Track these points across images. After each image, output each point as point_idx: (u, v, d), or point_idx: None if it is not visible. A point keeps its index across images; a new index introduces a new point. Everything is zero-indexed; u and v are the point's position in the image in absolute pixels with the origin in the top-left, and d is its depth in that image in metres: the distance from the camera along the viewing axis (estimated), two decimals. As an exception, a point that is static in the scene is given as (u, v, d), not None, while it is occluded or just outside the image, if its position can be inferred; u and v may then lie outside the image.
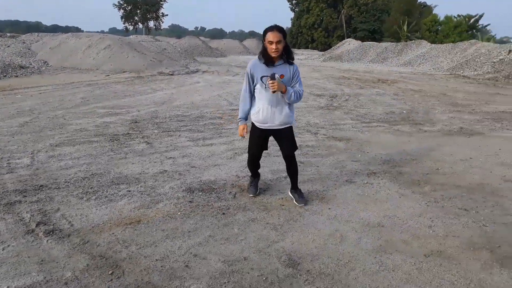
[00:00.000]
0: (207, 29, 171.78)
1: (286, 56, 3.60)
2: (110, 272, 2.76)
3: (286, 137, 3.83)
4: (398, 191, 4.45)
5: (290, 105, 3.73)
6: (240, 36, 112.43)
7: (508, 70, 19.96)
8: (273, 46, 3.42)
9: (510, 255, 3.14)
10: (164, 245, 3.14)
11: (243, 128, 3.80)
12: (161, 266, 2.85)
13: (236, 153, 5.74)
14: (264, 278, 2.74)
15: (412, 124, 8.17)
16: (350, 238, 3.35)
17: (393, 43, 37.72)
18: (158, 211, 3.77)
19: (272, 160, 5.43)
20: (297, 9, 79.63)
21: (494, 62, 22.35)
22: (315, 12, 71.25)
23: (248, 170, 4.31)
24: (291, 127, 3.86)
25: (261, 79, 3.58)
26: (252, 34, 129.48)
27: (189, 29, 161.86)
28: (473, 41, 30.26)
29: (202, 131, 7.04)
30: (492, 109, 10.33)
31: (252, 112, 3.75)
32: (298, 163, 5.30)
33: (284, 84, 3.55)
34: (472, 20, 55.81)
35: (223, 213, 3.76)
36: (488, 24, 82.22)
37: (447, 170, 5.22)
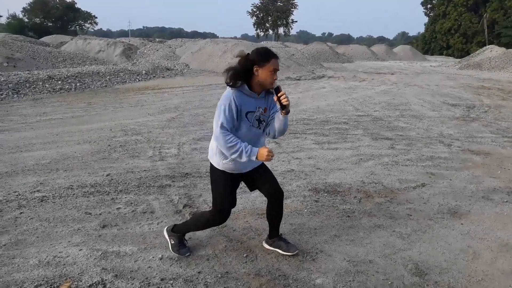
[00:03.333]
0: (334, 34, 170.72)
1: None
2: (244, 255, 3.07)
3: (265, 171, 3.05)
4: (544, 215, 4.02)
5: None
6: (368, 41, 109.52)
7: None
8: (275, 76, 2.73)
9: None
10: (292, 238, 3.36)
11: (266, 150, 2.61)
12: (290, 256, 3.06)
13: (361, 159, 5.75)
14: (389, 283, 2.78)
15: None
16: (485, 256, 3.17)
17: (548, 50, 33.09)
18: (286, 206, 4.00)
19: (401, 169, 5.32)
20: (431, 14, 74.77)
21: None
22: (452, 17, 66.12)
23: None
24: None
25: (246, 116, 2.72)
26: (380, 40, 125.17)
27: (317, 35, 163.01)
28: None
29: (327, 135, 7.18)
30: None
31: (223, 160, 2.80)
32: (429, 174, 5.17)
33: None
34: None
35: (348, 216, 3.84)
36: None
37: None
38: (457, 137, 7.33)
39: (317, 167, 5.35)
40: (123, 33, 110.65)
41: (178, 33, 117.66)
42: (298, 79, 17.78)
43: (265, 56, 2.71)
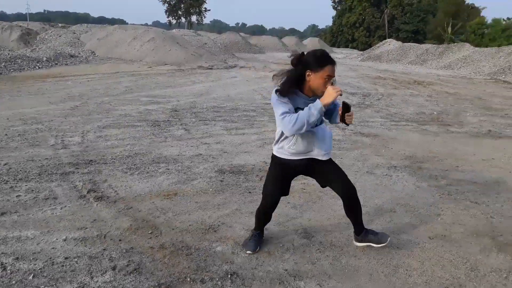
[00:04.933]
0: (247, 25, 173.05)
1: None
2: (149, 232, 3.26)
3: (332, 165, 2.96)
4: (415, 183, 4.74)
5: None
6: (281, 33, 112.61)
7: (554, 77, 19.35)
8: (329, 85, 2.52)
9: (509, 242, 3.41)
10: (197, 214, 3.61)
11: (331, 88, 2.46)
12: (194, 230, 3.31)
13: (265, 142, 6.16)
14: (281, 245, 3.16)
15: (440, 125, 8.31)
16: (363, 219, 3.69)
17: (434, 45, 36.94)
18: (193, 187, 4.25)
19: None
20: (339, 7, 79.06)
21: (540, 68, 21.69)
22: (357, 11, 70.56)
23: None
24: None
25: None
26: (292, 32, 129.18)
27: (230, 25, 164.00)
28: (519, 45, 29.34)
29: (235, 121, 7.51)
30: (529, 114, 10.24)
31: (289, 148, 2.78)
32: (323, 154, 5.71)
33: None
34: (523, 24, 53.44)
35: (250, 192, 4.19)
36: (540, 28, 78.23)
37: (467, 168, 5.43)
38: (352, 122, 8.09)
39: (224, 151, 5.65)
40: (20, 17, 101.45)
41: (83, 19, 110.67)
42: (210, 68, 17.97)
43: (320, 61, 2.52)
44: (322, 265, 2.90)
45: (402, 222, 3.69)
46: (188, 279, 2.64)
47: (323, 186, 3.09)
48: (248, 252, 3.01)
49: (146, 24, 57.74)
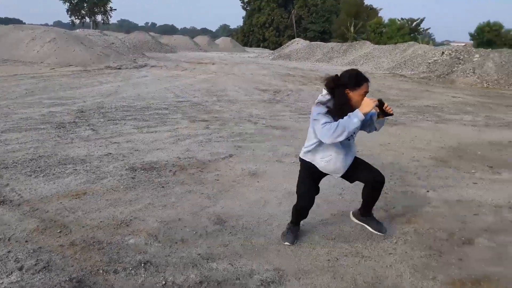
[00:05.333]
0: (158, 24, 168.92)
1: None
2: (58, 231, 3.15)
3: (360, 160, 3.27)
4: (320, 168, 5.09)
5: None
6: (192, 32, 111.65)
7: (441, 70, 21.64)
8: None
9: (400, 213, 3.85)
10: (108, 211, 3.56)
11: (367, 99, 2.74)
12: (105, 226, 3.27)
13: (179, 139, 6.18)
14: (194, 232, 3.25)
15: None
16: (272, 203, 3.93)
17: (338, 43, 39.27)
18: (103, 186, 4.16)
19: (213, 145, 5.94)
20: (248, 8, 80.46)
21: (429, 63, 24.12)
22: (266, 12, 72.38)
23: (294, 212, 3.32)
24: None
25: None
26: (204, 31, 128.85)
27: (139, 25, 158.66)
28: (411, 43, 32.29)
29: (147, 120, 7.41)
30: (419, 103, 11.41)
31: (321, 160, 3.05)
32: (237, 147, 5.90)
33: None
34: (414, 24, 58.68)
35: (163, 187, 4.21)
36: (429, 28, 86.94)
37: (366, 152, 5.95)
38: (263, 116, 8.41)
39: (135, 149, 5.57)
40: None
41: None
42: (119, 68, 17.35)
43: (357, 81, 2.77)
44: (233, 247, 3.05)
45: (308, 203, 3.97)
46: (101, 271, 2.62)
47: (351, 182, 3.35)
48: (286, 243, 3.12)
49: (47, 24, 53.86)
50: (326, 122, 2.74)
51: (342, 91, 2.79)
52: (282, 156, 5.55)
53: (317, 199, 4.08)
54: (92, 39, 22.18)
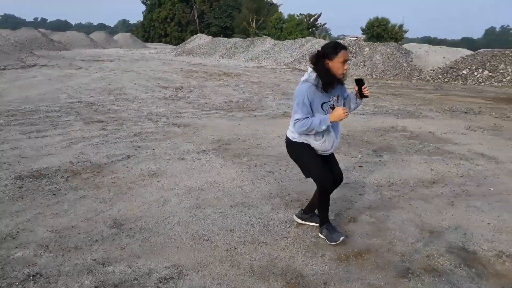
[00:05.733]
0: (48, 20, 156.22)
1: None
2: None
3: (333, 157, 3.38)
4: (221, 163, 5.21)
5: None
6: (88, 28, 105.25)
7: (335, 64, 23.10)
8: (346, 66, 2.93)
9: (294, 199, 4.10)
10: (-11, 225, 3.28)
11: (341, 108, 2.92)
12: None
13: (72, 142, 5.86)
14: (89, 238, 3.14)
15: (245, 110, 9.19)
16: (172, 201, 3.93)
17: (241, 39, 39.86)
18: (-17, 199, 3.82)
19: (110, 146, 5.73)
20: (148, 2, 77.99)
21: (324, 57, 25.60)
22: (167, 6, 70.81)
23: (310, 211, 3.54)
24: None
25: (322, 107, 3.01)
26: (101, 27, 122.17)
27: (27, 20, 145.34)
28: (308, 38, 33.97)
29: (36, 124, 6.90)
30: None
31: (316, 142, 3.11)
32: (136, 147, 5.77)
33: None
34: (312, 19, 61.63)
35: (54, 194, 3.99)
36: (325, 23, 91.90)
37: (265, 144, 6.20)
38: (164, 114, 8.30)
39: (23, 156, 5.17)
40: None
41: None
42: (3, 69, 15.81)
43: (334, 50, 2.90)
44: (131, 249, 3.01)
45: (208, 197, 4.05)
46: (-20, 292, 2.43)
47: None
48: (342, 238, 3.20)
49: None
50: (298, 119, 2.98)
51: (323, 62, 2.95)
52: (183, 154, 5.55)
53: (217, 192, 4.21)
54: None
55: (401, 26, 48.13)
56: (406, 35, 53.32)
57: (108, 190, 4.14)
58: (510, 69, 16.93)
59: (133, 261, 2.84)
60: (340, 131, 3.29)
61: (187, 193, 4.15)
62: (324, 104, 3.02)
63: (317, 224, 3.44)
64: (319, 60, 2.97)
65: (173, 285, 2.60)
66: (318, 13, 59.26)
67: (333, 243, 3.20)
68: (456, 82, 17.05)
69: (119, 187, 4.24)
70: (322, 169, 3.13)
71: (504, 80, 16.49)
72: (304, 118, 2.96)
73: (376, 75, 19.76)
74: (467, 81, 16.94)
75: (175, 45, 56.16)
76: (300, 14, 61.22)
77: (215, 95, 11.54)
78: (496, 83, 16.41)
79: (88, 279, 2.60)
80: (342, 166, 5.24)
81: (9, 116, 7.44)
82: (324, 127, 2.97)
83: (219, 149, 5.84)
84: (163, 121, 7.59)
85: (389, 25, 47.61)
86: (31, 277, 2.59)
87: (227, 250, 3.07)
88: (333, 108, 3.02)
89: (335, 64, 2.91)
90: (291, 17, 61.43)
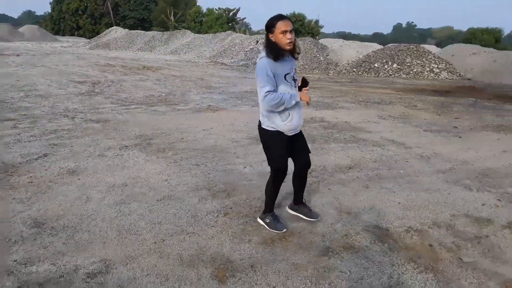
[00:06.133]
0: None
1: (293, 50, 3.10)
2: None
3: (302, 137, 3.40)
4: (145, 158, 5.16)
5: None
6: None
7: (256, 58, 23.57)
8: (289, 36, 2.92)
9: (221, 189, 4.21)
10: None
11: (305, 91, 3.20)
12: None
13: (-21, 142, 5.44)
14: (7, 240, 2.99)
15: (168, 104, 9.10)
16: (95, 198, 3.85)
17: (160, 32, 38.96)
18: None
19: (23, 145, 5.41)
20: (57, -7, 72.91)
21: (246, 51, 25.95)
22: (77, -3, 66.81)
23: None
24: None
25: (285, 78, 3.04)
26: (3, 18, 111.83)
27: None
28: (229, 32, 34.16)
29: None
30: (238, 89, 12.27)
31: (282, 122, 3.11)
32: (52, 145, 5.50)
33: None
34: (231, 13, 61.76)
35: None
36: (245, 18, 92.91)
37: (190, 138, 6.23)
38: (81, 110, 7.95)
39: None
40: None
41: None
42: None
43: (271, 22, 2.96)
44: (55, 247, 2.93)
45: (133, 193, 4.02)
46: None
47: (289, 156, 3.34)
48: (284, 230, 3.35)
49: None
50: (269, 91, 2.95)
51: (267, 37, 3.02)
52: (104, 150, 5.40)
53: (142, 187, 4.19)
54: None
55: (317, 21, 50.21)
56: (322, 30, 55.82)
57: (25, 190, 3.94)
58: (415, 62, 18.56)
59: (57, 258, 2.77)
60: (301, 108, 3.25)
61: (111, 190, 4.08)
62: (287, 75, 3.04)
63: (305, 217, 3.58)
64: (266, 36, 3.05)
65: (101, 279, 2.59)
66: (237, 8, 59.54)
67: (275, 231, 3.34)
68: (369, 75, 18.26)
69: (37, 187, 4.05)
70: (280, 154, 3.19)
71: (411, 72, 18.02)
72: (273, 91, 2.95)
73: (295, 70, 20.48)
74: (379, 74, 18.22)
75: (89, 38, 53.25)
76: (219, 8, 61.08)
77: (135, 89, 11.25)
78: (404, 75, 17.88)
79: (9, 280, 2.50)
80: (256, 157, 5.53)
81: None
82: (293, 102, 3.04)
83: (142, 144, 5.76)
84: (80, 118, 7.28)
85: (306, 20, 49.41)
86: None
87: (155, 242, 3.10)
88: (293, 79, 3.09)
89: (277, 36, 2.95)
90: (210, 11, 61.04)
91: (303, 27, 48.26)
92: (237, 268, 2.82)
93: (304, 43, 22.67)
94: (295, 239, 3.26)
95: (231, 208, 3.78)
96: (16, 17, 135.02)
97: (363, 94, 12.01)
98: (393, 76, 17.91)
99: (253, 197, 4.05)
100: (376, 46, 24.81)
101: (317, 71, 19.93)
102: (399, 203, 4.07)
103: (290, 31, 2.93)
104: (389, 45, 22.80)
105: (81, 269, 2.67)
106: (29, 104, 8.30)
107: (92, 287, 2.50)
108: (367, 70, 18.71)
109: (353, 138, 6.66)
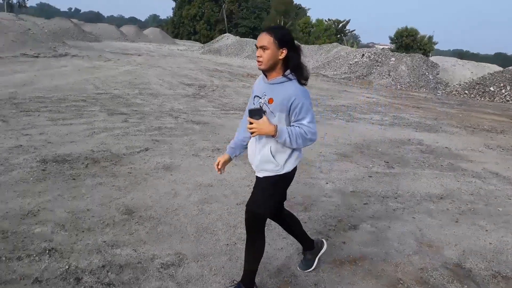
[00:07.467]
0: (82, 11, 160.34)
1: (294, 73, 2.32)
2: (-42, 223, 3.14)
3: (256, 187, 2.57)
4: (233, 162, 5.34)
5: (282, 146, 2.37)
6: (119, 21, 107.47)
7: (360, 72, 23.09)
8: (257, 53, 2.30)
9: (299, 202, 4.26)
10: (15, 202, 3.58)
11: (218, 161, 2.64)
12: (11, 216, 3.30)
13: (94, 132, 6.16)
14: (102, 222, 3.39)
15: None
16: (182, 195, 4.16)
17: (267, 41, 39.97)
18: (11, 177, 4.12)
19: (130, 138, 6.01)
20: (178, -1, 79.13)
21: (350, 64, 25.58)
22: (196, 4, 71.67)
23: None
24: (271, 179, 2.47)
25: (254, 100, 2.45)
26: (132, 21, 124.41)
27: (62, 10, 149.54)
28: (335, 44, 33.95)
29: (62, 112, 7.25)
30: (335, 103, 12.19)
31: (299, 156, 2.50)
32: (154, 141, 6.02)
33: (275, 114, 2.30)
34: (340, 25, 61.35)
35: (74, 179, 4.27)
36: (354, 30, 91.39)
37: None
38: (185, 111, 8.56)
39: (48, 141, 5.49)
40: None
41: None
42: (36, 57, 16.46)
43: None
44: (139, 235, 3.24)
45: (216, 194, 4.26)
46: (3, 258, 2.70)
47: None
48: None
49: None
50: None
51: None
52: (198, 151, 5.78)
53: (226, 189, 4.41)
54: (5, 24, 20.68)
55: (430, 37, 47.54)
56: (436, 46, 52.65)
57: (124, 179, 4.40)
58: (539, 90, 16.67)
59: (139, 246, 3.07)
60: (267, 149, 2.39)
61: (197, 188, 4.36)
62: (255, 98, 2.44)
63: (323, 250, 3.10)
64: None
65: (173, 271, 2.81)
66: (347, 19, 58.88)
67: None
68: (482, 99, 16.86)
69: (134, 177, 4.49)
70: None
71: (532, 100, 16.24)
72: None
73: (401, 86, 19.66)
74: (494, 98, 16.73)
75: (204, 43, 56.81)
76: (329, 19, 60.90)
77: (236, 95, 11.77)
78: (524, 103, 16.18)
79: (96, 258, 2.84)
80: (351, 175, 5.45)
81: (39, 103, 7.83)
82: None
83: (233, 149, 6.03)
84: (182, 118, 7.85)
85: (418, 36, 47.08)
86: (47, 251, 2.85)
87: (227, 244, 3.26)
88: (260, 109, 2.29)
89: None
90: (319, 21, 61.16)
91: (414, 42, 46.07)
92: (301, 283, 2.85)
93: (412, 59, 21.65)
94: (365, 265, 3.18)
95: (305, 222, 3.80)
96: (143, 19, 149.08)
97: (471, 119, 11.13)
98: (510, 102, 16.26)
99: (330, 215, 4.03)
100: (494, 68, 22.73)
101: (424, 89, 18.91)
102: (490, 243, 3.74)
103: (260, 47, 2.28)
104: (510, 67, 20.75)
105: (157, 258, 2.92)
106: (141, 101, 9.17)
107: (163, 277, 2.73)
108: (480, 93, 17.27)
109: (451, 166, 6.23)
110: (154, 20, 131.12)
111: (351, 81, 20.91)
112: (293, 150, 2.40)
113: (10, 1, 61.11)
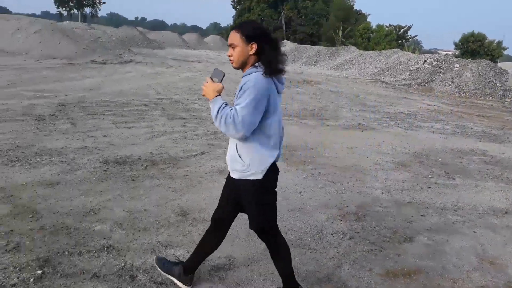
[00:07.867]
0: (147, 19, 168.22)
1: (263, 65, 2.21)
2: (30, 216, 3.40)
3: (244, 199, 2.45)
4: (285, 168, 5.40)
5: (244, 142, 2.29)
6: (182, 29, 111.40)
7: (422, 78, 22.21)
8: (228, 52, 2.31)
9: (352, 211, 4.17)
10: (78, 200, 3.81)
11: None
12: (74, 213, 3.52)
13: (154, 135, 6.43)
14: (157, 222, 3.52)
15: (318, 119, 9.29)
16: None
17: (325, 47, 39.74)
18: (76, 176, 4.40)
19: (187, 142, 6.20)
20: (238, 7, 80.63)
21: (411, 70, 24.69)
22: (256, 12, 72.66)
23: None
24: (250, 183, 2.36)
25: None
26: (193, 28, 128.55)
27: (129, 19, 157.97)
28: (395, 49, 32.92)
29: (125, 115, 7.64)
30: (393, 110, 11.81)
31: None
32: (210, 145, 6.17)
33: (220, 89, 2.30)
34: (402, 31, 59.45)
35: (133, 180, 4.47)
36: (416, 35, 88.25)
37: (332, 154, 6.28)
38: (240, 116, 8.68)
39: (111, 143, 5.80)
40: None
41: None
42: (104, 63, 17.48)
43: None
44: (192, 236, 3.33)
45: (268, 199, 4.27)
46: (66, 253, 2.89)
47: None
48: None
49: (34, 15, 53.33)
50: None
51: None
52: (252, 156, 5.83)
53: (278, 195, 4.38)
54: (79, 32, 22.19)
55: (499, 42, 44.76)
56: (507, 52, 49.49)
57: (180, 181, 4.54)
58: None
59: (192, 247, 3.13)
60: (233, 146, 2.38)
61: (250, 193, 4.40)
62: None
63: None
64: None
65: (223, 274, 2.86)
66: (409, 25, 56.90)
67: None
68: (556, 108, 15.58)
69: (190, 180, 4.62)
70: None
71: None
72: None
73: (465, 94, 18.65)
74: None
75: (261, 49, 57.23)
76: (390, 25, 59.20)
77: (291, 101, 11.76)
78: None
79: (151, 257, 2.95)
80: (408, 185, 5.25)
81: (104, 106, 8.31)
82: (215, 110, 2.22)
83: (285, 155, 6.03)
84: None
85: (486, 41, 44.51)
86: (105, 248, 3.00)
87: (278, 250, 3.26)
88: (221, 73, 2.37)
89: None
90: (379, 27, 59.59)
91: (481, 48, 43.57)
92: (351, 294, 2.78)
93: (478, 66, 20.47)
94: (420, 279, 3.05)
95: (358, 232, 3.72)
96: (204, 27, 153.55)
97: (544, 130, 10.31)
98: None
99: (384, 226, 3.90)
100: None
101: (490, 97, 17.81)
102: (562, 265, 3.44)
103: (230, 46, 2.26)
104: None
105: (208, 261, 2.98)
106: (199, 106, 9.44)
107: (213, 280, 2.78)
108: (557, 102, 15.96)
109: (519, 179, 5.81)
110: (215, 28, 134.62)
111: (412, 87, 20.15)
112: (259, 147, 2.28)
113: (84, 12, 65.51)
